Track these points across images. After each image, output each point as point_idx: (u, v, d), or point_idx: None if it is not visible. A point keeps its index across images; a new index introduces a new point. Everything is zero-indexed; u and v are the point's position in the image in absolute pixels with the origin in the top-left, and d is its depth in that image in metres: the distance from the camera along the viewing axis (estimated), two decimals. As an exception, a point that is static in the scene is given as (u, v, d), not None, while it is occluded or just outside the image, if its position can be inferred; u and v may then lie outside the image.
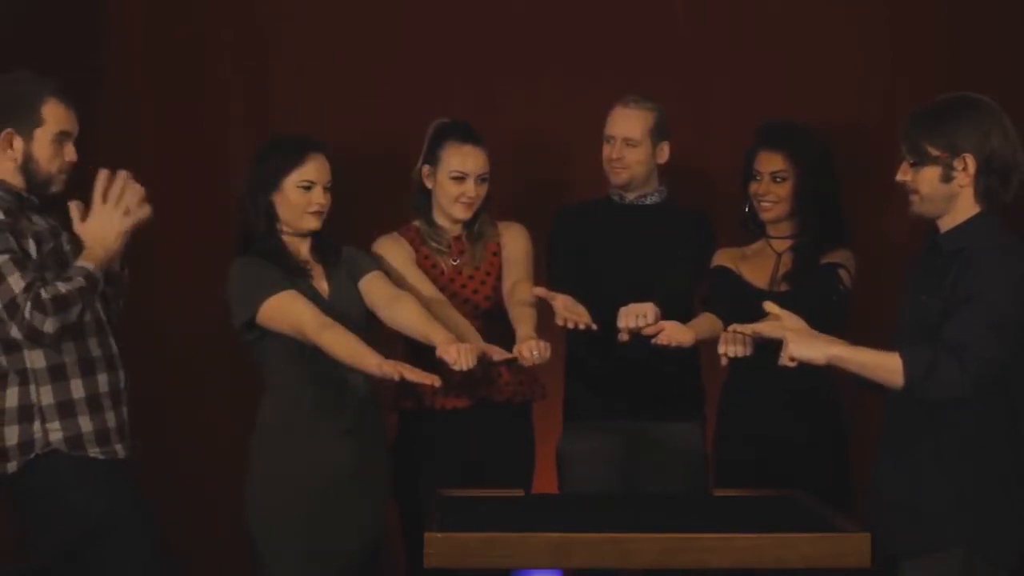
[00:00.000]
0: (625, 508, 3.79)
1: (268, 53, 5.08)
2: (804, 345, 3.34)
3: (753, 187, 4.29)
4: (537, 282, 4.20)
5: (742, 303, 4.04)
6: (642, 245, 4.34)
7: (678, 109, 4.61)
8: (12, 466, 3.62)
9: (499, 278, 4.25)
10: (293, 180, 3.95)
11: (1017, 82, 4.74)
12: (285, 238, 4.00)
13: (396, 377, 3.67)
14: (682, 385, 4.38)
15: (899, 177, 3.44)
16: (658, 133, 4.35)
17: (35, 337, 3.52)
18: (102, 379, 3.70)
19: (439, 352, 3.79)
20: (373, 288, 4.03)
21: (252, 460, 3.95)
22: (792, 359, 3.34)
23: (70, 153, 3.74)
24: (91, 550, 3.65)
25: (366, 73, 5.03)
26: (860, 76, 5.00)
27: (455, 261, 4.26)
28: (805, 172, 4.25)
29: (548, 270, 4.36)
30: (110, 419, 3.70)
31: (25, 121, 3.68)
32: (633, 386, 4.30)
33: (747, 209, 4.35)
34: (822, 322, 3.59)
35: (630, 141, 4.32)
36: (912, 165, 3.42)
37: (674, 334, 3.92)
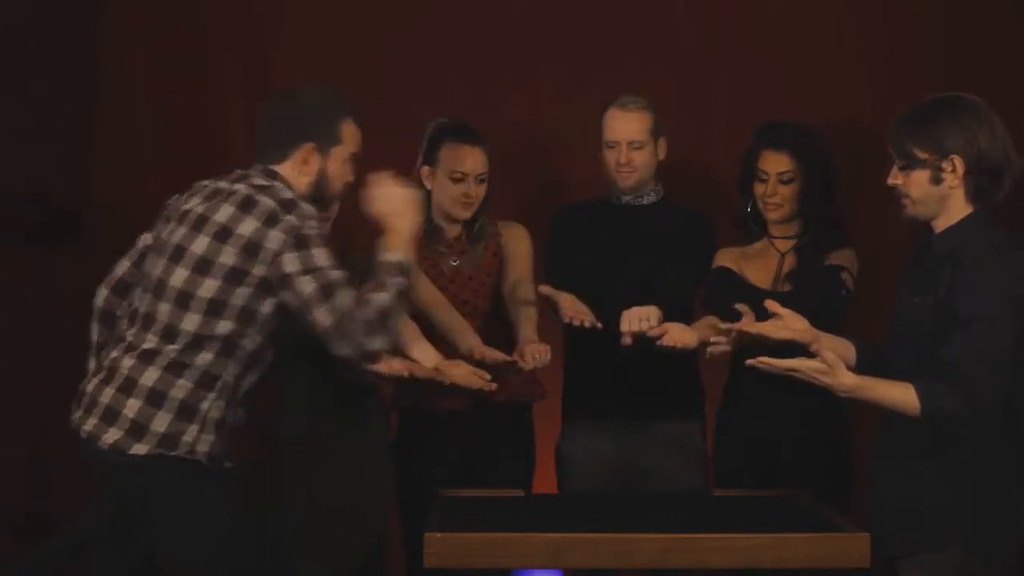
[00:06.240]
0: (625, 508, 3.80)
1: (268, 53, 5.08)
2: (843, 376, 3.30)
3: (759, 188, 4.28)
4: (537, 282, 4.21)
5: (743, 303, 4.05)
6: (640, 244, 4.34)
7: (678, 109, 4.61)
8: (142, 448, 3.45)
9: (499, 278, 4.25)
10: None
11: (1014, 82, 4.75)
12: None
13: (406, 374, 3.68)
14: (681, 385, 4.38)
15: (890, 181, 3.44)
16: (657, 131, 4.36)
17: (368, 358, 3.47)
18: (240, 412, 3.61)
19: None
20: None
21: (258, 459, 3.95)
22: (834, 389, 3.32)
23: (351, 174, 3.69)
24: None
25: (365, 73, 5.02)
26: (859, 76, 5.00)
27: (455, 262, 4.26)
28: (811, 172, 4.25)
29: (547, 270, 4.37)
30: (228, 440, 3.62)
31: (326, 138, 3.61)
32: (632, 386, 4.30)
33: (749, 209, 4.35)
34: (820, 325, 3.60)
35: (635, 144, 4.32)
36: (902, 169, 3.41)
37: (678, 337, 3.93)
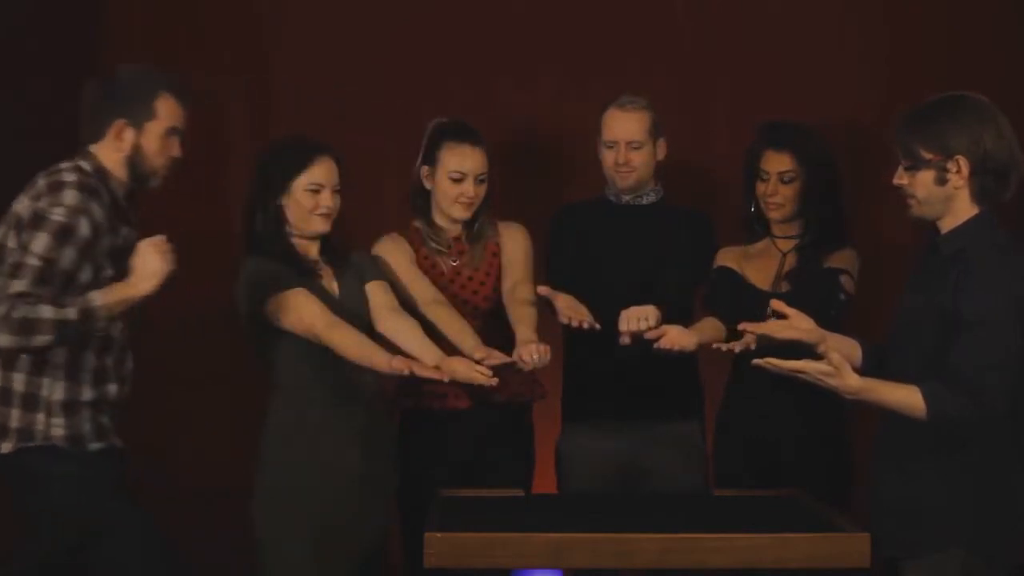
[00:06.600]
0: (625, 508, 3.79)
1: (268, 53, 5.08)
2: (849, 378, 3.29)
3: (761, 188, 4.29)
4: (537, 283, 4.21)
5: (743, 304, 4.05)
6: (640, 244, 4.34)
7: (678, 109, 4.61)
8: (7, 447, 3.62)
9: (499, 279, 4.25)
10: (301, 183, 3.95)
11: (1014, 82, 4.74)
12: (294, 240, 3.99)
13: (407, 373, 3.68)
14: (681, 385, 4.38)
15: (896, 181, 3.43)
16: (656, 131, 4.37)
17: None
18: (111, 389, 3.70)
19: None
20: (375, 295, 4.03)
21: (262, 460, 3.94)
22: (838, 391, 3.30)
23: (176, 149, 3.76)
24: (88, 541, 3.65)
25: (365, 73, 5.03)
26: (859, 76, 5.00)
27: (455, 262, 4.26)
28: (812, 172, 4.25)
29: (547, 270, 4.37)
30: (106, 420, 3.71)
31: (138, 113, 3.69)
32: (632, 385, 4.30)
33: (752, 209, 4.35)
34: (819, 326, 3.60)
35: (633, 144, 4.32)
36: (907, 169, 3.40)
37: (676, 339, 3.93)
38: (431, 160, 4.23)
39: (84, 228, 3.55)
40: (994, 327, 3.24)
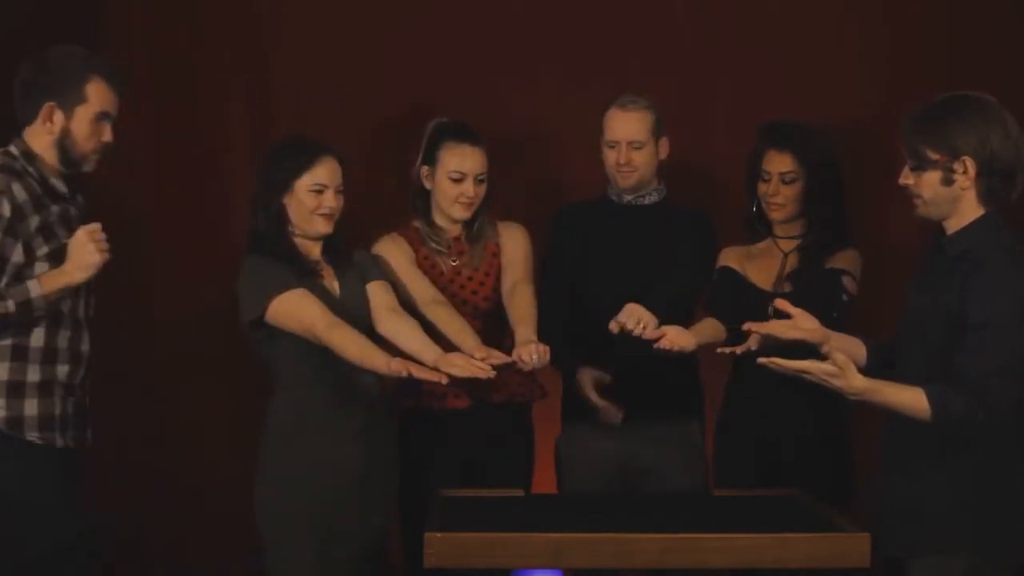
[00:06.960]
0: (625, 508, 3.79)
1: (268, 53, 5.08)
2: (854, 379, 3.28)
3: (762, 188, 4.29)
4: (537, 282, 4.21)
5: (745, 304, 4.05)
6: (641, 244, 4.34)
7: (678, 109, 4.60)
8: None
9: (499, 279, 4.25)
10: (304, 183, 3.94)
11: (1014, 82, 4.74)
12: (296, 240, 3.99)
13: (405, 374, 3.68)
14: (680, 384, 4.37)
15: (902, 181, 3.42)
16: (658, 130, 4.36)
17: None
18: (61, 370, 3.69)
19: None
20: (376, 295, 4.03)
21: (263, 460, 3.94)
22: (841, 391, 3.29)
23: (107, 134, 3.76)
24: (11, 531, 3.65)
25: (365, 73, 5.03)
26: (859, 76, 5.00)
27: (454, 261, 4.26)
28: (814, 172, 4.25)
29: (546, 270, 4.37)
30: (56, 407, 3.69)
31: (68, 97, 3.69)
32: (631, 385, 4.30)
33: (754, 209, 4.35)
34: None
35: (635, 144, 4.32)
36: (913, 169, 3.39)
37: (676, 339, 3.93)
38: (431, 160, 4.23)
39: (4, 209, 3.58)
40: (1000, 329, 3.24)
